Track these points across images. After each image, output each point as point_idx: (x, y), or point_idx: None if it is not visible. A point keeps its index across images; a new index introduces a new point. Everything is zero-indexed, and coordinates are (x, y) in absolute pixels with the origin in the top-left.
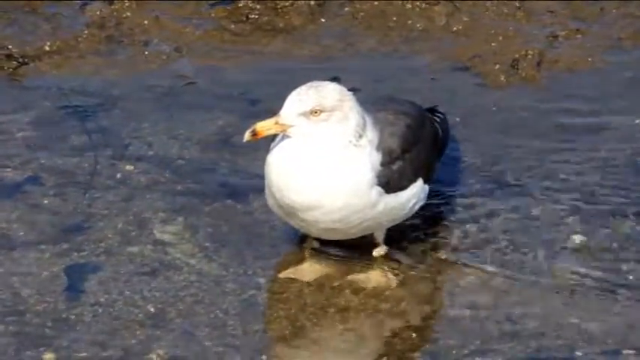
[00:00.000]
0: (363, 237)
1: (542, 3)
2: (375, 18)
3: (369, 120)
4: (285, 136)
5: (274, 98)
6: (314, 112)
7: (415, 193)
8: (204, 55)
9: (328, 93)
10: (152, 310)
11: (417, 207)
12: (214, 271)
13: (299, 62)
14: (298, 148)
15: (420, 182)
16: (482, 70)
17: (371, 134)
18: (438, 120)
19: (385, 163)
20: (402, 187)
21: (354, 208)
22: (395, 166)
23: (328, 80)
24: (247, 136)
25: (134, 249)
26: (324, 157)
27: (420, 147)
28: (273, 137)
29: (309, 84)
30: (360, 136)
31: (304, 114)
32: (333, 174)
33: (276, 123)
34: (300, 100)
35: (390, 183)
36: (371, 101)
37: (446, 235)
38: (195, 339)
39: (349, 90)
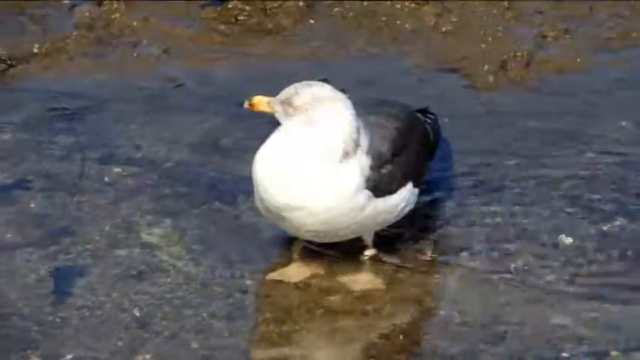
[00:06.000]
0: (352, 239)
1: (531, 4)
2: (364, 19)
3: (360, 125)
4: (273, 137)
5: None
6: (287, 104)
7: (404, 197)
8: (194, 57)
9: (303, 92)
10: (138, 313)
11: (406, 210)
12: (201, 273)
13: (288, 63)
14: (285, 147)
15: (409, 186)
16: (471, 72)
17: (361, 138)
18: (429, 121)
19: (375, 167)
20: (392, 191)
21: (340, 211)
22: (384, 170)
23: (318, 81)
24: (245, 103)
25: (121, 252)
26: (311, 158)
27: (410, 150)
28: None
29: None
30: (347, 153)
31: (282, 103)
32: (320, 175)
33: (268, 103)
34: (287, 89)
35: (379, 187)
36: (362, 104)
37: (434, 237)
38: (182, 342)
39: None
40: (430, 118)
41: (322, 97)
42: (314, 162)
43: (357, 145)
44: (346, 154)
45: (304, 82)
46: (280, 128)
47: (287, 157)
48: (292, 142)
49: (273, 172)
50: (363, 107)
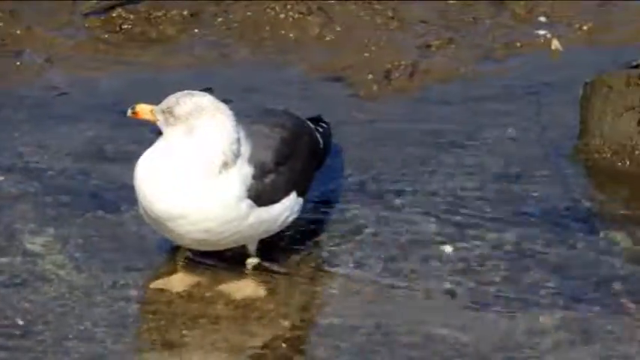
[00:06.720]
0: (236, 247)
1: (416, 13)
2: (249, 28)
3: (242, 135)
4: (154, 145)
5: None
6: (168, 113)
7: (288, 206)
8: (77, 66)
9: (184, 102)
10: (21, 321)
11: (289, 220)
12: (84, 282)
13: (172, 72)
14: (165, 156)
15: (293, 195)
16: (355, 81)
17: (243, 148)
18: (320, 130)
19: (257, 177)
20: (275, 201)
21: (221, 221)
22: (267, 180)
23: (201, 91)
24: (129, 111)
25: (3, 260)
26: (190, 168)
27: (295, 160)
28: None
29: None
30: (227, 164)
31: (163, 112)
32: (199, 185)
33: (151, 111)
34: (168, 98)
35: (261, 196)
36: (248, 113)
37: (318, 245)
38: (65, 350)
39: (223, 101)
40: (322, 127)
41: (202, 108)
42: (193, 171)
43: (236, 155)
44: (225, 164)
45: (186, 92)
46: (162, 137)
47: (167, 166)
48: (172, 151)
49: (153, 181)
50: (249, 116)
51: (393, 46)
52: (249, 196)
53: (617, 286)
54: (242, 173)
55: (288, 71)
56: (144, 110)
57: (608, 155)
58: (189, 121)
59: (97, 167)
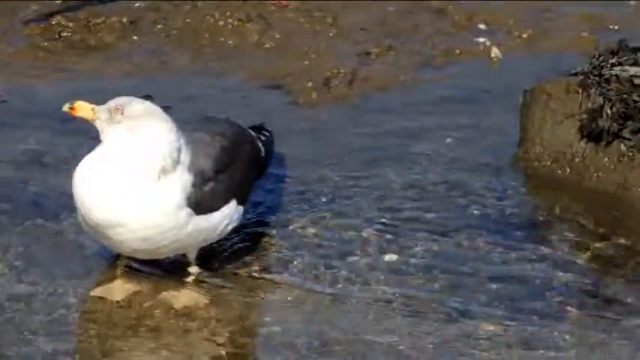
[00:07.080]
0: (176, 256)
1: (355, 20)
2: (188, 35)
3: (182, 142)
4: (93, 152)
5: None
6: (117, 110)
7: (227, 214)
8: (16, 73)
9: (137, 103)
10: None
11: (229, 228)
12: (24, 290)
13: (111, 80)
14: (104, 163)
15: (233, 203)
16: (294, 88)
17: (183, 155)
18: (262, 138)
19: (196, 185)
20: (214, 209)
21: (160, 229)
22: (207, 188)
23: (140, 98)
24: (66, 106)
25: None
26: (130, 175)
27: (235, 168)
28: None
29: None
30: (166, 170)
31: (110, 110)
32: (138, 192)
33: (92, 109)
34: (117, 98)
35: (200, 204)
36: (189, 120)
37: (258, 254)
38: (4, 359)
39: (162, 108)
40: (264, 135)
41: (151, 113)
42: (132, 176)
43: (176, 162)
44: (164, 170)
45: (129, 97)
46: (102, 143)
47: (105, 172)
48: (111, 155)
49: (91, 188)
50: (189, 124)
51: (332, 54)
52: (189, 205)
53: (556, 293)
54: (182, 181)
55: (227, 79)
56: (83, 107)
57: (548, 163)
58: (135, 121)
59: (37, 175)
